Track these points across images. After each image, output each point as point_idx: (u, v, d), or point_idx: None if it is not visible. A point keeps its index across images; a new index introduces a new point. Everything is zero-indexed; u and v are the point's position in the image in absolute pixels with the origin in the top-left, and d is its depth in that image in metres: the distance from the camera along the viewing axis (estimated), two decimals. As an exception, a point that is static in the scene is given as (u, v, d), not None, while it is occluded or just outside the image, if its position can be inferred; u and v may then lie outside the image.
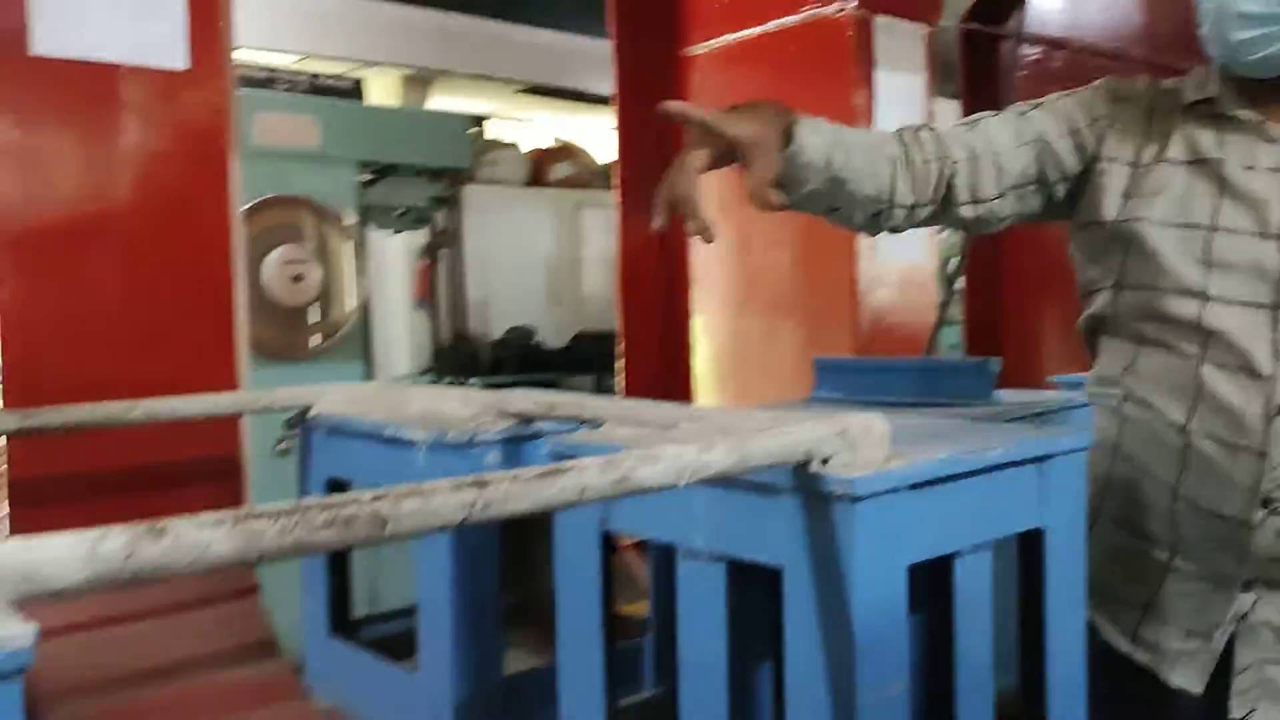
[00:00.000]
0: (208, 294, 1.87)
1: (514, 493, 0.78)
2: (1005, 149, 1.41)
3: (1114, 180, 1.40)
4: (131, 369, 1.75)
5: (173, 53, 1.79)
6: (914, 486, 1.04)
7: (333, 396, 1.68)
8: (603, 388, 5.86)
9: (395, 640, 1.74)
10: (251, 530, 0.67)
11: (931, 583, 1.14)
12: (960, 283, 3.91)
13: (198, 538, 0.65)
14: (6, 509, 1.64)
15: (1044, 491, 1.18)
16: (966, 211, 1.41)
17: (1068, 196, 1.46)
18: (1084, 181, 1.44)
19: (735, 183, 1.24)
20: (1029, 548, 1.22)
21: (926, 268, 3.01)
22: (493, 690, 1.49)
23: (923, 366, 1.76)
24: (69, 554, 0.61)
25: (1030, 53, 3.82)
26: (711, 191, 3.08)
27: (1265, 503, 1.30)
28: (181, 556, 0.64)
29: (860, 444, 1.03)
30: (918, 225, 1.42)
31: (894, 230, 1.41)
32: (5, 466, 1.63)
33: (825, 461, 1.02)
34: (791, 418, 1.12)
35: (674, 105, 1.24)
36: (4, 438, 1.59)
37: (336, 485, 1.71)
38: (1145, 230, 1.36)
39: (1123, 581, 1.43)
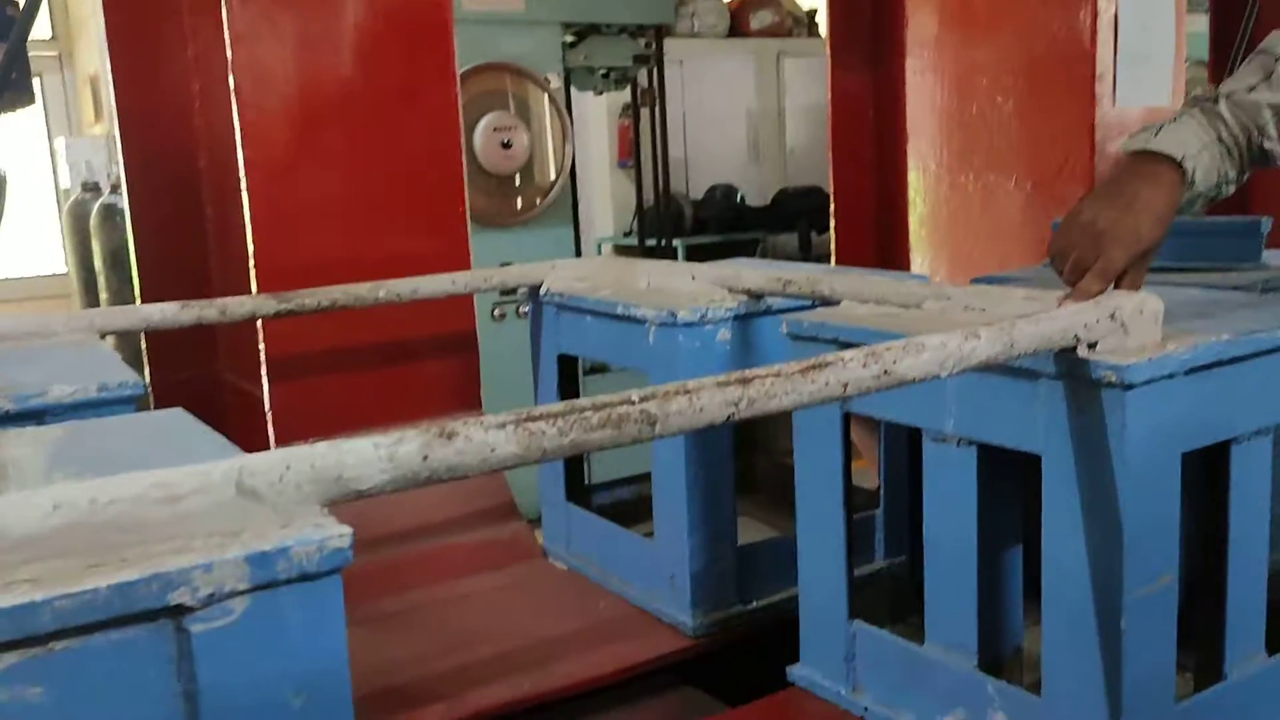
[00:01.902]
0: (436, 167, 1.91)
1: (777, 390, 0.77)
2: None
3: None
4: (369, 245, 1.82)
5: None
6: (1190, 371, 0.97)
7: (562, 272, 1.71)
8: (808, 245, 5.76)
9: (627, 507, 1.80)
10: (532, 432, 0.68)
11: (1200, 464, 1.07)
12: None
13: (485, 440, 0.67)
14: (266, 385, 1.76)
15: (1333, 370, 1.08)
16: None
17: None
18: None
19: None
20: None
21: (1171, 112, 2.74)
22: (728, 559, 1.52)
23: (1182, 227, 1.62)
24: (373, 456, 0.64)
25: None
26: (924, 22, 2.87)
27: None
28: (471, 458, 0.67)
29: (1132, 326, 0.97)
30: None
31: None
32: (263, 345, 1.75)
33: (1093, 345, 0.96)
34: (1049, 296, 1.06)
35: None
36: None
37: (567, 360, 1.75)
38: None
39: None
